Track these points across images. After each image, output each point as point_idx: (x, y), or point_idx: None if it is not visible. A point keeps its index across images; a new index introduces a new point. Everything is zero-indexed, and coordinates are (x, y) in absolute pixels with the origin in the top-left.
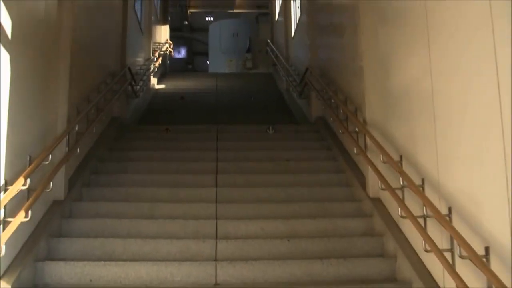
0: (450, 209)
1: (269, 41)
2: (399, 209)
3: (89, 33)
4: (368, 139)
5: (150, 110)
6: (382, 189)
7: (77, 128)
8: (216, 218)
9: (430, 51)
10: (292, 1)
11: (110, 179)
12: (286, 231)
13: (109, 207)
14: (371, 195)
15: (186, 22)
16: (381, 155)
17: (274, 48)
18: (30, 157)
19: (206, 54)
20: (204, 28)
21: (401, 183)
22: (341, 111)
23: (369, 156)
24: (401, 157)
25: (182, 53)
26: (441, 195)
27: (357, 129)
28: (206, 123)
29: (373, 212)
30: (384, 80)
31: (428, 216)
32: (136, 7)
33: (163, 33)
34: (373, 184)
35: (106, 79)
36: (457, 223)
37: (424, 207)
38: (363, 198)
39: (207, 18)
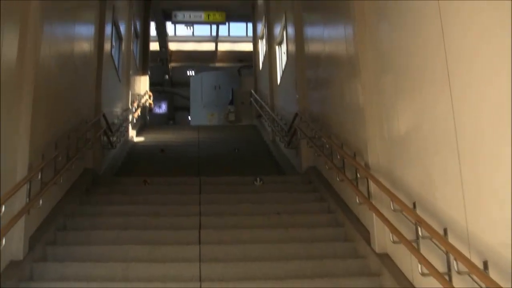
0: (486, 264)
1: (252, 91)
2: (419, 265)
3: (59, 77)
4: (372, 186)
5: (128, 163)
6: (394, 242)
7: (40, 177)
8: (200, 281)
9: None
10: (277, 47)
11: (80, 236)
12: None
13: (77, 268)
14: (377, 250)
15: (167, 77)
16: (391, 203)
17: (258, 98)
18: None
19: (187, 109)
20: (186, 83)
21: (420, 233)
22: (338, 157)
23: (374, 204)
24: (414, 204)
25: (163, 108)
26: (472, 247)
27: (358, 175)
28: (188, 176)
29: (381, 270)
30: (389, 122)
31: (460, 273)
32: (113, 53)
33: (142, 84)
34: (380, 237)
35: (78, 127)
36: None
37: (455, 262)
38: (368, 254)
39: (188, 73)
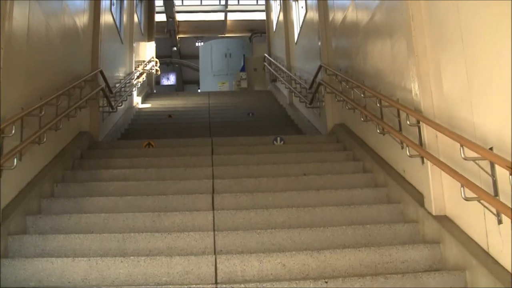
0: None
1: (266, 55)
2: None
3: (45, 29)
4: (426, 135)
5: (132, 130)
6: (467, 199)
7: (20, 134)
8: (215, 254)
9: None
10: (293, 3)
11: (69, 204)
12: (319, 269)
13: (63, 241)
14: (434, 212)
15: (175, 48)
16: (461, 148)
17: (273, 60)
18: None
19: (197, 82)
20: (195, 55)
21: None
22: (378, 106)
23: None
24: (491, 149)
25: (172, 80)
26: None
27: (408, 122)
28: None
29: (441, 235)
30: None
31: None
32: (113, 11)
33: (148, 50)
34: (438, 197)
35: (70, 83)
36: None
37: None
38: (422, 218)
39: (197, 44)
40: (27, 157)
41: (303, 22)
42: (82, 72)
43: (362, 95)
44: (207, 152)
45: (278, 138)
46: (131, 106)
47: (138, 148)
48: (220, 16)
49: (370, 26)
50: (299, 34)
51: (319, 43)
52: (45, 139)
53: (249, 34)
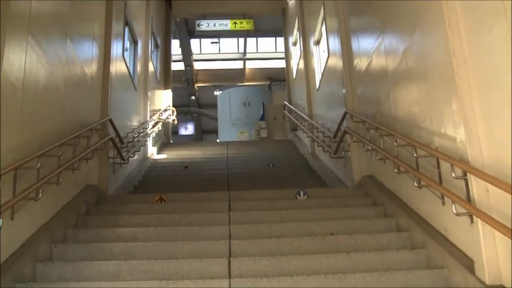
0: None
1: (286, 103)
2: None
3: (46, 74)
4: (475, 189)
5: (145, 182)
6: None
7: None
8: None
9: None
10: (314, 48)
11: (66, 270)
12: None
13: None
14: (489, 280)
15: (193, 97)
16: None
17: (294, 108)
18: None
19: (215, 132)
20: (213, 104)
21: None
22: (414, 155)
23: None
24: None
25: (190, 130)
26: None
27: (453, 175)
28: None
29: None
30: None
31: None
32: (126, 58)
33: (164, 98)
34: (493, 262)
35: (76, 132)
36: None
37: None
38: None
39: (215, 93)
40: (21, 214)
41: (325, 68)
42: (90, 121)
43: (394, 144)
44: (224, 208)
45: (301, 192)
46: (145, 157)
47: (149, 204)
48: (238, 65)
49: (401, 68)
50: (321, 80)
51: (343, 89)
52: (40, 195)
53: (268, 82)
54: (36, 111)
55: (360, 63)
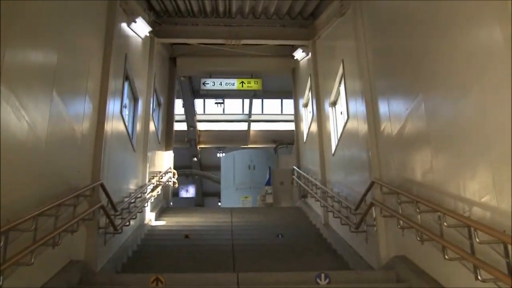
0: None
1: (295, 167)
2: None
3: (25, 129)
4: None
5: (140, 255)
6: None
7: None
8: None
9: None
10: (330, 109)
11: None
12: None
13: None
14: None
15: (195, 159)
16: None
17: (304, 173)
18: None
19: (217, 195)
20: (215, 166)
21: None
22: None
23: None
24: None
25: (191, 192)
26: None
27: None
28: (219, 272)
29: None
30: None
31: None
32: (125, 116)
33: (165, 160)
34: None
35: (60, 199)
36: None
37: None
38: None
39: (218, 155)
40: None
41: (343, 131)
42: (78, 185)
43: (444, 224)
44: None
45: (322, 276)
46: (142, 224)
47: (143, 286)
48: (243, 126)
49: (449, 132)
50: (337, 145)
51: (367, 155)
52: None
53: (271, 145)
54: (7, 173)
55: (390, 127)
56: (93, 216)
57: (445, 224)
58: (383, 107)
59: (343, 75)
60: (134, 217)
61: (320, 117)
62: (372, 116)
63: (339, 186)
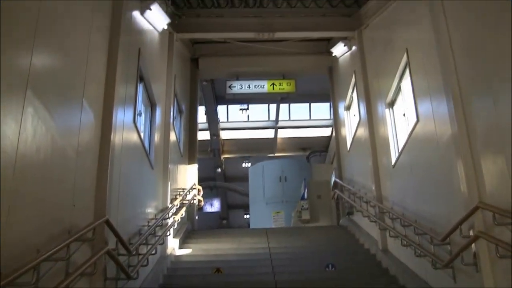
0: None
1: (337, 180)
2: None
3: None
4: None
5: None
6: None
7: None
8: None
9: None
10: (387, 111)
11: None
12: None
13: None
14: None
15: (219, 170)
16: None
17: (351, 187)
18: None
19: (243, 207)
20: (241, 177)
21: None
22: None
23: None
24: None
25: (216, 207)
26: None
27: None
28: None
29: None
30: None
31: None
32: (139, 125)
33: (189, 175)
34: None
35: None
36: None
37: None
38: None
39: (244, 165)
40: None
41: (409, 137)
42: (73, 224)
43: None
44: None
45: None
46: (164, 256)
47: None
48: (269, 134)
49: None
50: (401, 153)
51: (460, 168)
52: None
53: (301, 153)
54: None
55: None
56: (95, 269)
57: None
58: (478, 106)
59: (408, 69)
60: (153, 252)
61: (372, 121)
62: (463, 116)
63: (402, 204)
